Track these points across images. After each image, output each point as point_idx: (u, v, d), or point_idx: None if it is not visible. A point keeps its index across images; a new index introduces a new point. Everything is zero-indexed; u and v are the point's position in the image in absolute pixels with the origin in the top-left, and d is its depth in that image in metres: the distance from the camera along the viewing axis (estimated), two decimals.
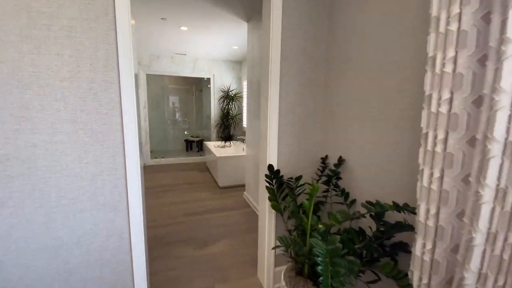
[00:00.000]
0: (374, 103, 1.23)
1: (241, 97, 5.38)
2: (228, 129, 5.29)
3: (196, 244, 2.21)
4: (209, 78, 5.45)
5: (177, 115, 6.77)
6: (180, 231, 2.42)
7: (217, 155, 3.61)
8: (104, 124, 1.20)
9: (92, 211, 1.24)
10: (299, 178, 1.49)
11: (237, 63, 5.54)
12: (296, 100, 1.55)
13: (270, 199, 1.42)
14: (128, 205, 1.29)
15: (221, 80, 5.47)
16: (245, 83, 5.21)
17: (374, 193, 1.26)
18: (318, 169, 1.60)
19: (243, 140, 5.09)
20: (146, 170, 4.70)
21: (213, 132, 5.56)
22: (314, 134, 1.62)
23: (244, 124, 5.32)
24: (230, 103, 5.30)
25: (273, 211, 1.61)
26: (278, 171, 1.50)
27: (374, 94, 1.23)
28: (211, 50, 4.58)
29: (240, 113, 5.44)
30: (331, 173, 1.44)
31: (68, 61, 1.12)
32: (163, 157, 5.38)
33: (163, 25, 3.25)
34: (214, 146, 4.92)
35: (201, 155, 5.62)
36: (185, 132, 6.83)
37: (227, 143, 5.15)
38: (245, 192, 3.34)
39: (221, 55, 4.99)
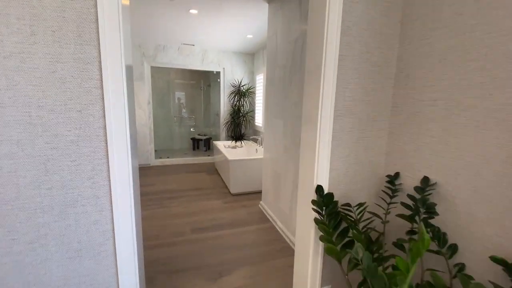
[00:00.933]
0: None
1: (253, 92, 4.92)
2: (239, 127, 4.85)
3: (208, 273, 1.78)
4: (219, 72, 5.00)
5: (184, 111, 6.35)
6: (188, 253, 2.00)
7: (229, 157, 3.17)
8: (77, 128, 0.76)
9: (61, 261, 0.81)
10: (361, 205, 1.03)
11: (249, 56, 5.08)
12: (357, 95, 1.10)
13: (323, 239, 0.97)
14: (115, 249, 0.86)
15: (232, 74, 5.01)
16: (258, 77, 4.75)
17: (497, 243, 0.81)
18: (384, 191, 1.15)
19: (256, 140, 4.65)
20: (150, 172, 4.29)
21: (223, 131, 5.12)
22: (379, 143, 1.17)
23: (257, 122, 4.87)
24: (242, 99, 4.85)
25: (320, 250, 1.16)
26: (330, 195, 1.05)
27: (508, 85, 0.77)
28: (222, 39, 4.12)
29: (252, 110, 4.99)
30: (419, 205, 0.97)
31: (17, 27, 0.68)
32: (168, 157, 4.97)
33: (171, 9, 2.80)
34: (224, 147, 4.49)
35: (209, 155, 5.20)
36: (192, 130, 6.41)
37: (238, 143, 4.71)
38: (261, 202, 2.90)
39: (232, 46, 4.53)
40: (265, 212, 2.72)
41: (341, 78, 1.05)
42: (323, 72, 1.02)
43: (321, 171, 1.09)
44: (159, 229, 2.35)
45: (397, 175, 1.13)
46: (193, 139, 6.09)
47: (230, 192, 3.32)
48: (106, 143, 0.78)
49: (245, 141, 4.84)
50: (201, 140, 6.03)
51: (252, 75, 5.15)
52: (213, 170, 4.49)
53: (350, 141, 1.12)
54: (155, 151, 4.89)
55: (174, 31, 3.73)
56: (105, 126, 0.77)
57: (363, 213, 1.03)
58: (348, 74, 1.06)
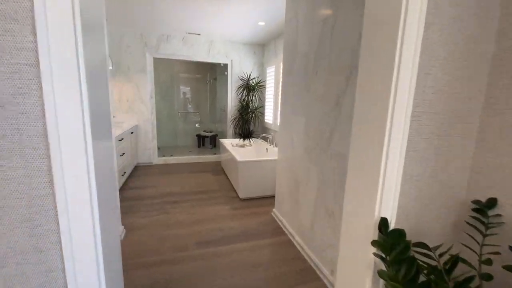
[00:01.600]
0: None
1: (263, 86, 4.56)
2: (247, 124, 4.51)
3: None
4: (226, 64, 4.65)
5: (189, 106, 6.03)
6: (193, 274, 1.69)
7: (238, 158, 2.84)
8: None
9: None
10: (438, 247, 0.69)
11: (259, 46, 4.70)
12: (441, 84, 0.74)
13: None
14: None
15: (240, 67, 4.65)
16: (269, 70, 4.38)
17: None
18: (470, 223, 0.80)
19: (266, 139, 4.30)
20: (152, 171, 4.00)
21: (230, 128, 4.79)
22: (463, 154, 0.82)
23: (267, 119, 4.52)
24: (250, 93, 4.50)
25: None
26: (400, 233, 0.71)
27: None
28: (230, 28, 3.75)
29: (262, 106, 4.63)
30: None
31: None
32: (172, 155, 4.67)
33: None
34: (232, 145, 4.16)
35: (215, 154, 4.88)
36: (197, 125, 6.10)
37: (247, 142, 4.37)
38: (274, 210, 2.57)
39: (241, 36, 4.16)
40: (279, 222, 2.39)
41: (423, 57, 0.70)
42: (399, 45, 0.67)
43: (387, 197, 0.74)
44: (159, 242, 2.05)
45: (492, 202, 0.78)
46: (198, 136, 5.78)
47: (238, 197, 3.00)
48: (49, 158, 0.45)
49: (254, 139, 4.50)
50: (207, 137, 5.72)
51: (262, 67, 4.78)
52: (219, 170, 4.17)
53: (427, 151, 0.77)
54: (158, 148, 4.59)
55: (178, 19, 3.38)
56: (46, 127, 0.44)
57: (451, 261, 0.69)
58: (433, 53, 0.71)
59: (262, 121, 4.72)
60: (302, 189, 1.93)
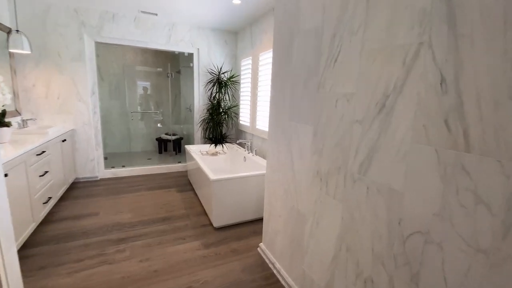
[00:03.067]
0: None
1: (237, 82, 3.90)
2: (219, 127, 3.81)
3: None
4: (192, 54, 3.89)
5: (147, 104, 5.11)
6: None
7: (211, 176, 2.16)
8: None
9: None
10: None
11: (232, 35, 4.03)
12: None
13: None
14: None
15: (209, 58, 3.93)
16: (244, 63, 3.74)
17: None
18: None
19: (242, 145, 3.66)
20: (96, 190, 3.11)
21: (198, 131, 4.05)
22: None
23: (242, 120, 3.88)
24: (222, 90, 3.81)
25: None
26: None
27: None
28: (196, 9, 3.02)
29: (237, 105, 3.97)
30: None
31: None
32: (124, 166, 3.78)
33: None
34: (201, 153, 3.44)
35: (179, 162, 4.10)
36: (159, 125, 5.22)
37: (219, 148, 3.69)
38: (261, 245, 1.96)
39: (210, 20, 3.44)
40: (271, 267, 1.79)
41: None
42: None
43: None
44: None
45: None
46: (159, 140, 4.91)
47: (212, 225, 2.32)
48: None
49: (227, 144, 3.83)
50: (169, 141, 4.88)
51: (235, 60, 4.11)
52: (185, 183, 3.42)
53: None
54: (105, 158, 3.68)
55: None
56: None
57: None
58: None
59: (237, 123, 4.07)
60: (312, 229, 1.34)
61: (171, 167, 3.97)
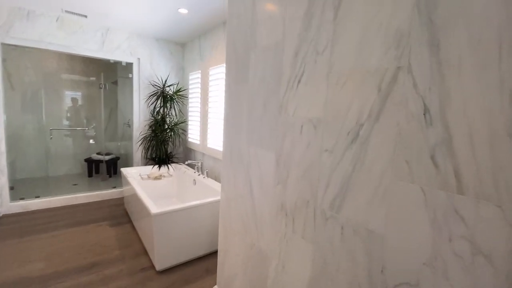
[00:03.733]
0: None
1: (185, 96, 3.62)
2: (164, 145, 3.43)
3: None
4: (131, 64, 3.48)
5: (75, 119, 4.38)
6: None
7: (152, 210, 1.83)
8: None
9: None
10: None
11: (178, 46, 3.76)
12: None
13: None
14: None
15: (152, 69, 3.58)
16: (192, 76, 3.50)
17: None
18: None
19: (192, 166, 3.34)
20: None
21: (137, 150, 3.57)
22: None
23: (191, 138, 3.58)
24: (168, 104, 3.47)
25: None
26: None
27: None
28: (137, 14, 2.71)
29: (184, 121, 3.66)
30: None
31: None
32: (38, 196, 3.06)
33: None
34: (141, 177, 3.00)
35: (114, 187, 3.53)
36: (91, 141, 4.51)
37: (164, 170, 3.29)
38: None
39: (154, 28, 3.14)
40: None
41: None
42: None
43: None
44: None
45: None
46: (89, 161, 4.21)
47: (154, 268, 1.95)
48: None
49: (173, 165, 3.46)
50: (102, 161, 4.22)
51: (182, 72, 3.84)
52: (121, 213, 2.92)
53: None
54: (11, 188, 2.92)
55: None
56: None
57: None
58: None
59: (185, 140, 3.74)
60: (276, 273, 1.16)
61: (104, 194, 3.38)
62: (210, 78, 2.99)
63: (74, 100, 4.35)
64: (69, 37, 3.00)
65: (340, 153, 0.88)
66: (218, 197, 2.14)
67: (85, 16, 2.89)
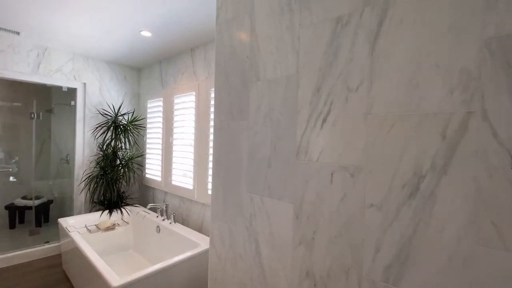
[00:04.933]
0: None
1: (142, 126, 3.22)
2: (115, 184, 2.92)
3: None
4: (75, 90, 2.99)
5: None
6: None
7: (113, 283, 1.41)
8: None
9: None
10: None
11: (134, 70, 3.41)
12: None
13: None
14: None
15: (101, 95, 3.13)
16: (152, 104, 3.15)
17: None
18: None
19: (155, 209, 2.87)
20: None
21: (80, 193, 2.96)
22: None
23: (149, 174, 3.14)
24: (121, 136, 3.02)
25: None
26: None
27: None
28: (84, 33, 2.35)
29: (142, 155, 3.22)
30: None
31: None
32: None
33: None
34: (88, 229, 2.44)
35: (47, 242, 2.81)
36: (11, 178, 3.62)
37: (117, 216, 2.77)
38: None
39: (105, 50, 2.78)
40: None
41: None
42: None
43: None
44: None
45: None
46: (11, 208, 3.35)
47: None
48: None
49: (129, 207, 2.94)
50: (29, 208, 3.40)
51: (137, 99, 3.45)
52: (58, 278, 2.28)
53: None
54: None
55: None
56: None
57: None
58: None
59: (141, 177, 3.27)
60: None
61: (33, 253, 2.65)
62: (176, 107, 2.71)
63: None
64: None
65: (393, 209, 0.73)
66: (197, 249, 1.80)
67: (17, 33, 2.40)
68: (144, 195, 3.27)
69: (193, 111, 2.48)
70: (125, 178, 3.06)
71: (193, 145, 2.47)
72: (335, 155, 0.86)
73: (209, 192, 2.30)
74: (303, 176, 0.94)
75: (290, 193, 0.98)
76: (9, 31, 2.34)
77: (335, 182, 0.85)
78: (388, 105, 0.75)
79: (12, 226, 3.35)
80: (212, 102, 2.27)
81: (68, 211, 3.30)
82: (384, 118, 0.76)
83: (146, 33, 2.30)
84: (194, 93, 2.47)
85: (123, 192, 3.05)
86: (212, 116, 2.27)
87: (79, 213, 2.91)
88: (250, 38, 1.15)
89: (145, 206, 3.04)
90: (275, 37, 1.05)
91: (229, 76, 1.24)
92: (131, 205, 3.00)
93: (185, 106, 2.59)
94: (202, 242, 1.94)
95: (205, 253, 1.84)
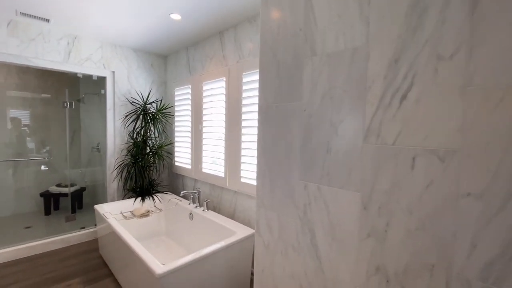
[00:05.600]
0: None
1: (171, 115, 3.21)
2: (146, 172, 2.95)
3: None
4: (104, 78, 3.01)
5: (21, 146, 3.66)
6: None
7: (156, 269, 1.40)
8: None
9: None
10: None
11: (160, 58, 3.38)
12: None
13: None
14: None
15: (129, 84, 3.13)
16: (179, 92, 3.12)
17: None
18: None
19: (187, 197, 2.88)
20: None
21: (113, 181, 3.03)
22: None
23: (178, 162, 3.15)
24: (150, 124, 3.03)
25: None
26: None
27: None
28: (114, 19, 2.31)
29: (171, 143, 3.23)
30: None
31: None
32: None
33: None
34: (124, 216, 2.48)
35: (83, 228, 2.91)
36: (42, 167, 3.78)
37: (149, 203, 2.80)
38: None
39: (132, 37, 2.75)
40: None
41: None
42: None
43: None
44: None
45: None
46: (46, 195, 3.50)
47: None
48: None
49: (159, 195, 2.97)
50: (64, 195, 3.54)
51: (164, 87, 3.44)
52: (97, 264, 2.35)
53: None
54: None
55: None
56: None
57: None
58: None
59: (171, 165, 3.29)
60: None
61: (70, 238, 2.76)
62: (205, 94, 2.66)
63: (18, 121, 3.65)
64: (24, 45, 2.47)
65: (500, 199, 0.62)
66: (234, 237, 1.77)
67: (47, 20, 2.41)
68: (174, 182, 3.29)
69: (223, 97, 2.41)
70: (155, 166, 3.08)
71: (224, 132, 2.41)
72: (418, 137, 0.75)
73: (242, 180, 2.25)
74: (374, 161, 0.84)
75: (355, 181, 0.89)
76: (39, 18, 2.35)
77: (418, 168, 0.75)
78: (496, 75, 0.63)
79: (47, 212, 3.51)
80: (245, 87, 2.18)
81: (101, 198, 3.41)
82: (490, 90, 0.63)
83: (176, 16, 2.23)
84: (224, 78, 2.39)
85: (154, 180, 3.08)
86: (244, 102, 2.19)
87: (112, 200, 2.98)
88: (304, 8, 1.03)
89: (175, 193, 3.06)
90: (336, 3, 0.93)
91: (277, 53, 1.14)
92: (162, 192, 3.03)
93: (215, 92, 2.53)
94: (238, 230, 1.91)
95: (242, 241, 1.80)
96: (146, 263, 1.44)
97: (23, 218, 3.36)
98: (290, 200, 1.11)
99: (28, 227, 3.07)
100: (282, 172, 1.13)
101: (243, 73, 2.17)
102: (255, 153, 2.15)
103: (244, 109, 2.19)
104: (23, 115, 3.63)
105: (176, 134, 3.18)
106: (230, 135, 2.33)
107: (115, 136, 3.04)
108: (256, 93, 2.03)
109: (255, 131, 2.13)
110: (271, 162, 1.18)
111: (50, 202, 3.54)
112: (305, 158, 1.04)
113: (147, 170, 2.96)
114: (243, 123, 2.20)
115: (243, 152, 2.23)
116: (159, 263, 1.44)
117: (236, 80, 2.26)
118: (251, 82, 2.13)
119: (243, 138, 2.22)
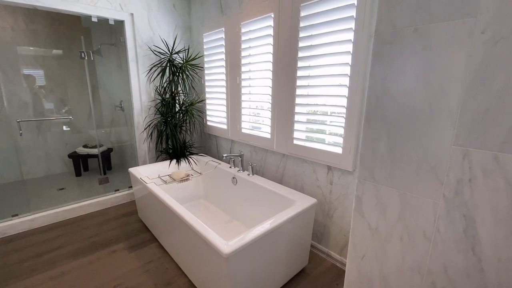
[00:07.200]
0: None
1: (199, 66, 2.80)
2: (179, 133, 2.67)
3: None
4: (122, 23, 2.57)
5: (41, 106, 3.42)
6: None
7: (223, 248, 1.17)
8: None
9: None
10: None
11: (183, 0, 2.85)
12: None
13: None
14: None
15: (150, 29, 2.69)
16: (208, 38, 2.67)
17: None
18: None
19: (228, 160, 2.63)
20: None
21: (143, 142, 2.79)
22: None
23: (211, 121, 2.84)
24: (178, 78, 2.65)
25: None
26: None
27: None
28: None
29: (202, 100, 2.89)
30: None
31: None
32: (15, 215, 2.27)
33: None
34: (162, 180, 2.27)
35: (117, 190, 2.78)
36: (64, 128, 3.60)
37: (185, 166, 2.58)
38: None
39: None
40: None
41: None
42: None
43: None
44: None
45: None
46: (75, 156, 3.37)
47: None
48: None
49: (194, 157, 2.74)
50: (93, 156, 3.39)
51: (189, 33, 2.97)
52: (136, 228, 2.23)
53: None
54: None
55: None
56: None
57: None
58: None
59: (205, 124, 2.99)
60: None
61: (106, 201, 2.65)
62: (243, 38, 2.20)
63: (32, 79, 3.35)
64: None
65: None
66: (295, 208, 1.52)
67: None
68: (206, 144, 3.04)
69: (270, 39, 1.96)
70: (187, 125, 2.79)
71: (271, 85, 2.02)
72: None
73: (295, 142, 1.93)
74: None
75: None
76: None
77: None
78: None
79: (78, 174, 3.42)
80: (303, 23, 1.72)
81: (130, 160, 3.24)
82: None
83: None
84: (272, 14, 1.91)
85: (187, 141, 2.83)
86: (301, 43, 1.75)
87: (144, 162, 2.79)
88: None
89: (209, 155, 2.82)
90: None
91: None
92: (196, 154, 2.78)
93: (258, 34, 2.07)
94: (295, 198, 1.65)
95: (304, 212, 1.55)
96: (209, 241, 1.22)
97: (55, 180, 3.29)
98: (429, 173, 0.78)
99: (62, 189, 2.99)
100: (416, 132, 0.79)
101: (301, 4, 1.69)
102: (311, 109, 1.78)
103: (300, 54, 1.77)
104: (38, 74, 3.32)
105: (207, 89, 2.81)
106: (279, 88, 1.95)
107: (141, 92, 2.71)
108: (324, 29, 1.59)
109: (317, 81, 1.73)
110: (394, 118, 0.83)
111: (80, 164, 3.43)
112: (471, 111, 0.68)
113: (180, 131, 2.68)
114: (299, 73, 1.80)
115: (296, 109, 1.87)
116: (222, 239, 1.21)
117: (290, 13, 1.79)
118: (313, 15, 1.66)
119: (298, 92, 1.84)
